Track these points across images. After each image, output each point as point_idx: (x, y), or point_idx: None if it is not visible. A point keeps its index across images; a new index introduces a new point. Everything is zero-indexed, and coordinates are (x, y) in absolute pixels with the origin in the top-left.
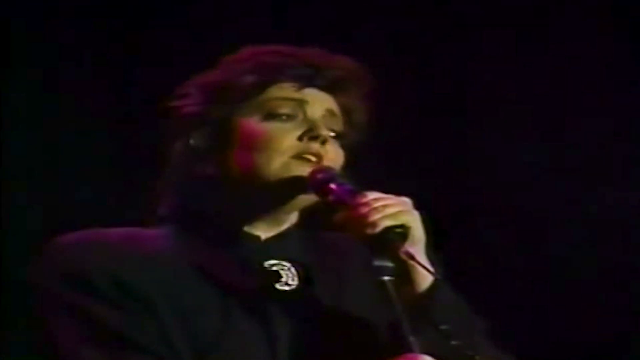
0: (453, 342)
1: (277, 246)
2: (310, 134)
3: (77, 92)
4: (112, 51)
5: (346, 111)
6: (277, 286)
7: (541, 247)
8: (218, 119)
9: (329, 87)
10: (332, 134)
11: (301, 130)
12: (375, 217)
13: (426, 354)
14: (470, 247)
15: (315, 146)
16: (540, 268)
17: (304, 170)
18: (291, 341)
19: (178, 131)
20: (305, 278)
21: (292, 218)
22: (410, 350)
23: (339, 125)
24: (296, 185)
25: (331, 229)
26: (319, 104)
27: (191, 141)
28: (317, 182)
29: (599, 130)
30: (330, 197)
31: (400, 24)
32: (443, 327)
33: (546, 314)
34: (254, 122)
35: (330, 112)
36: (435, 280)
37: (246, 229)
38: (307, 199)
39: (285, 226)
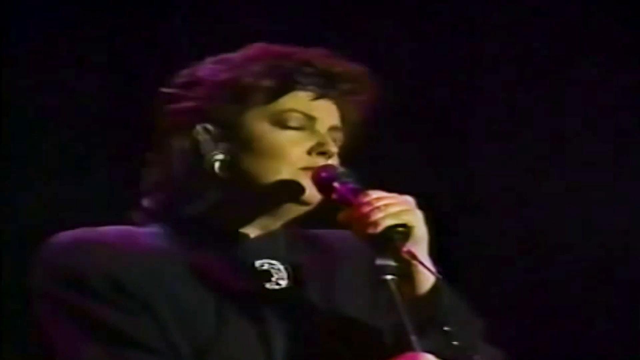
0: (454, 343)
1: (266, 245)
2: (320, 149)
3: (77, 92)
4: (112, 50)
5: (347, 115)
6: (268, 286)
7: (542, 249)
8: (226, 118)
9: (339, 98)
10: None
11: (309, 143)
12: (377, 216)
13: (428, 353)
14: (470, 247)
15: (322, 161)
16: (541, 270)
17: (308, 184)
18: (285, 340)
19: (180, 124)
20: (295, 277)
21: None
22: (412, 349)
23: (340, 139)
24: (299, 197)
25: (333, 227)
26: (327, 119)
27: (198, 137)
28: (321, 180)
29: (600, 134)
30: (334, 196)
31: (402, 24)
32: (446, 328)
33: (546, 314)
34: (264, 128)
35: (334, 128)
36: (437, 280)
37: (237, 227)
38: (303, 209)
39: (274, 226)
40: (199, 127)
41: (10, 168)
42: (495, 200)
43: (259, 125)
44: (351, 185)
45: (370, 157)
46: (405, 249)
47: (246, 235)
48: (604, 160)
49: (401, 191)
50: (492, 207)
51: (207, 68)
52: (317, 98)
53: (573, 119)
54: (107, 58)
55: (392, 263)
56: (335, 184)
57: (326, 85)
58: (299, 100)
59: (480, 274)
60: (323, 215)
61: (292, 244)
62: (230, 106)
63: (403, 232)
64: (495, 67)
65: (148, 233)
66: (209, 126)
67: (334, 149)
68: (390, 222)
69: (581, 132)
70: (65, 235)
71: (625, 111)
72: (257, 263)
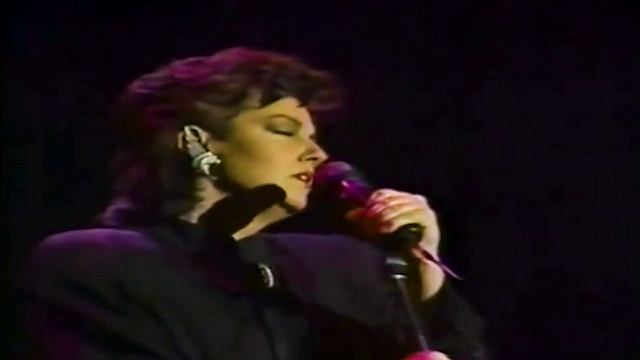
0: (463, 343)
1: (251, 247)
2: (311, 155)
3: (77, 91)
4: (111, 49)
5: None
6: (261, 286)
7: (548, 248)
8: (216, 121)
9: (315, 106)
10: None
11: (299, 148)
12: (390, 215)
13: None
14: (478, 248)
15: (310, 167)
16: (550, 270)
17: (298, 191)
18: (286, 339)
19: (165, 126)
20: (280, 278)
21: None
22: (420, 349)
23: None
24: (288, 203)
25: (338, 226)
26: (308, 127)
27: (186, 139)
28: (328, 179)
29: (608, 131)
30: (342, 195)
31: (403, 23)
32: (457, 328)
33: (555, 314)
34: (257, 133)
35: (312, 136)
36: (446, 280)
37: (223, 229)
38: (285, 214)
39: (256, 229)
40: (187, 129)
41: (10, 170)
42: (504, 200)
43: (252, 130)
44: (360, 184)
45: (375, 157)
46: (420, 249)
47: (231, 239)
48: (615, 158)
49: (409, 190)
50: (501, 207)
51: (185, 70)
52: (301, 105)
53: (580, 118)
54: (107, 59)
55: (402, 263)
56: (344, 183)
57: (307, 91)
58: (287, 106)
59: (488, 274)
60: (323, 215)
61: (269, 246)
62: (220, 109)
63: (416, 231)
64: (502, 65)
65: (136, 236)
66: (197, 128)
67: (323, 155)
68: (403, 221)
69: (590, 131)
70: (59, 238)
71: (631, 108)
72: (250, 264)
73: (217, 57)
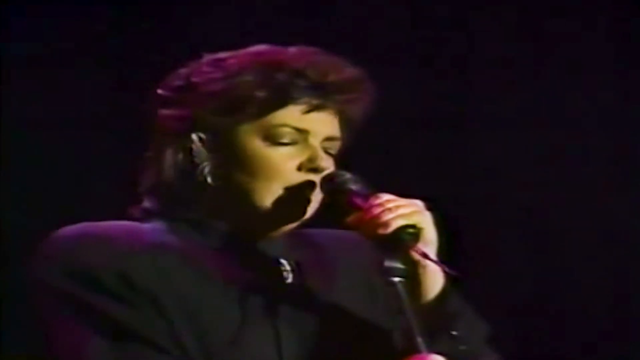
0: (461, 347)
1: (268, 243)
2: (310, 165)
3: (77, 90)
4: (113, 47)
5: (345, 123)
6: (277, 283)
7: (547, 249)
8: (219, 130)
9: (335, 108)
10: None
11: (300, 158)
12: (387, 217)
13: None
14: (476, 251)
15: (312, 177)
16: (549, 272)
17: (297, 202)
18: (295, 337)
19: (174, 130)
20: (299, 274)
21: None
22: (418, 351)
23: (335, 148)
24: (290, 215)
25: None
26: (321, 131)
27: (192, 146)
28: (331, 186)
29: (608, 131)
30: (343, 201)
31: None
32: (454, 332)
33: (554, 316)
34: (255, 145)
35: (329, 138)
36: (446, 283)
37: (236, 229)
38: (292, 226)
39: (271, 232)
40: (194, 136)
41: (10, 168)
42: (503, 202)
43: (250, 141)
44: (360, 191)
45: (377, 159)
46: (418, 249)
47: (247, 235)
48: (615, 159)
49: (407, 195)
50: (499, 209)
51: (202, 72)
52: (310, 111)
53: (579, 119)
54: (109, 54)
55: (400, 265)
56: (345, 190)
57: (321, 98)
58: (290, 114)
59: (487, 277)
60: (324, 215)
61: (290, 241)
62: (224, 118)
63: (413, 233)
64: (499, 67)
65: (152, 229)
66: (203, 135)
67: (324, 163)
68: (401, 222)
69: (589, 130)
70: (70, 229)
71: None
72: (265, 260)
73: (234, 59)
